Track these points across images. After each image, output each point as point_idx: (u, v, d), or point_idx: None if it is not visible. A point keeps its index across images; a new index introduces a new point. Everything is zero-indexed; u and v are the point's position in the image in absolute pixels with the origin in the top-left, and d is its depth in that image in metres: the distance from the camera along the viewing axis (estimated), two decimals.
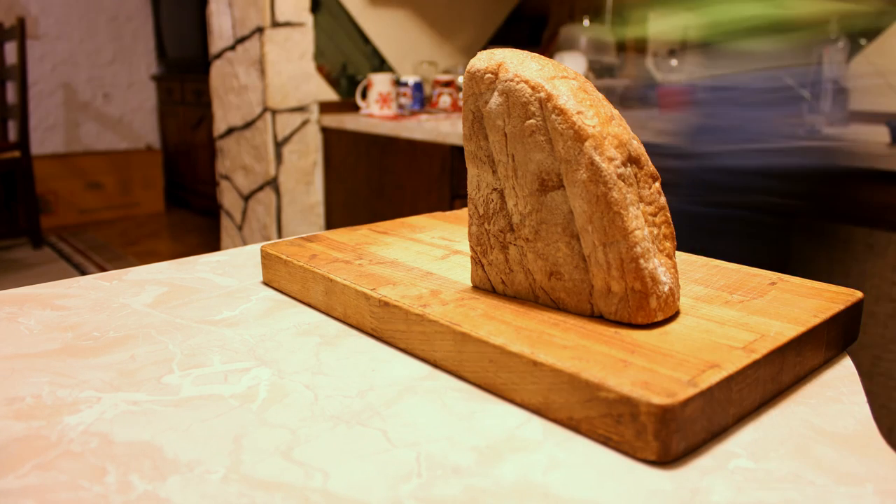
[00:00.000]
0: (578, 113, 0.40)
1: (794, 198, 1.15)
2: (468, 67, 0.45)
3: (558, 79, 0.42)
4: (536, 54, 0.44)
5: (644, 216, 0.41)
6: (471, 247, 0.48)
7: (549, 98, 0.41)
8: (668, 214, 0.43)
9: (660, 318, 0.41)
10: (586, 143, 0.40)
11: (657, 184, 0.43)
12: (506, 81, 0.42)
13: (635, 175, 0.41)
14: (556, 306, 0.44)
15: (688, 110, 1.19)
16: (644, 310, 0.41)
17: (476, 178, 0.47)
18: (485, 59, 0.44)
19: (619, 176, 0.40)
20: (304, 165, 2.28)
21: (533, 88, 0.41)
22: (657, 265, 0.41)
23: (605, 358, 0.37)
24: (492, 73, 0.43)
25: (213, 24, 2.36)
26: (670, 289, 0.42)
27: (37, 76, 3.87)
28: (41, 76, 3.90)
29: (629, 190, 0.40)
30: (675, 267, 0.43)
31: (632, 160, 0.41)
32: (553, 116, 0.41)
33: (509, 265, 0.46)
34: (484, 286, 0.48)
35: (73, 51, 4.00)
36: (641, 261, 0.40)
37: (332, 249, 0.57)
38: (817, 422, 0.37)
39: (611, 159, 0.40)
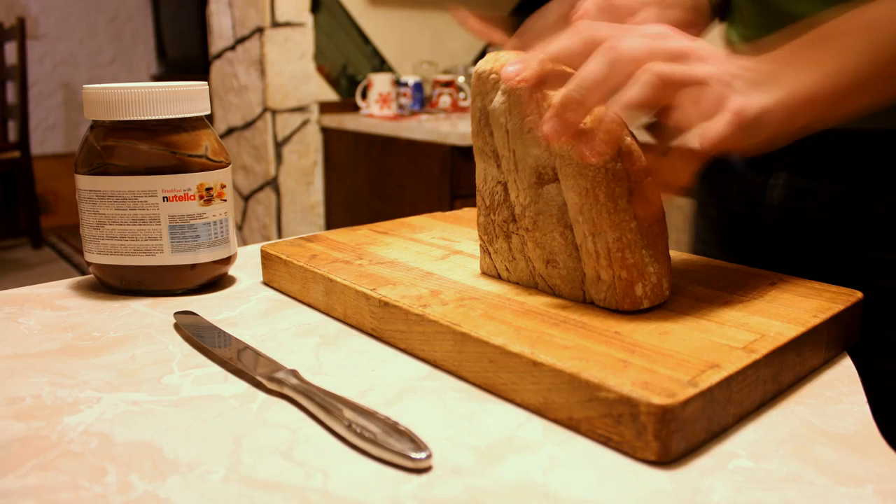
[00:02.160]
0: None
1: None
2: (476, 68, 0.48)
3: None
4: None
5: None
6: (479, 235, 0.51)
7: (545, 97, 0.42)
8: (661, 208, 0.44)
9: (646, 305, 0.43)
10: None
11: (649, 179, 0.44)
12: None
13: (627, 170, 0.42)
14: (553, 293, 0.46)
15: None
16: (630, 297, 0.43)
17: (483, 171, 0.50)
18: (490, 61, 0.47)
19: (608, 171, 0.41)
20: (304, 165, 2.28)
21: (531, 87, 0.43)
22: (644, 255, 0.42)
23: (605, 358, 0.37)
24: (496, 74, 0.46)
25: (213, 24, 2.37)
26: (658, 278, 0.43)
27: (37, 76, 3.87)
28: (41, 76, 3.90)
29: (618, 184, 0.42)
30: (665, 257, 0.44)
31: (623, 155, 0.42)
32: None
33: (512, 253, 0.49)
34: (491, 273, 0.51)
35: (73, 51, 4.00)
36: (627, 251, 0.42)
37: (332, 249, 0.57)
38: (817, 422, 0.37)
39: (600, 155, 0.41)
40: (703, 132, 0.40)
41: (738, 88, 0.40)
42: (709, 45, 0.42)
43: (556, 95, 0.41)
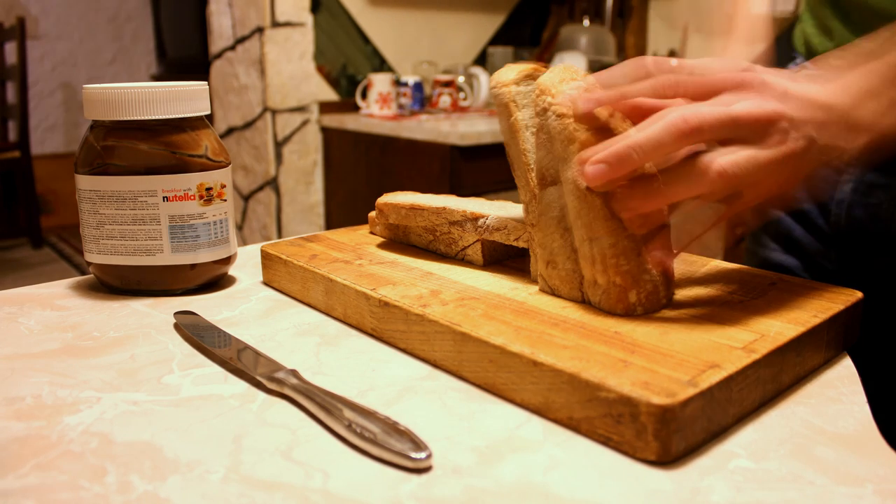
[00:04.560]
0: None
1: None
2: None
3: (564, 83, 0.44)
4: (562, 66, 0.47)
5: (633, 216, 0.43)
6: None
7: (551, 102, 0.43)
8: (665, 215, 0.44)
9: (640, 311, 0.43)
10: (575, 146, 0.42)
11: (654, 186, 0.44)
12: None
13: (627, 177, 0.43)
14: (553, 293, 0.46)
15: None
16: (623, 303, 0.42)
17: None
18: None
19: None
20: (304, 165, 2.28)
21: (541, 92, 0.44)
22: (640, 262, 0.42)
23: (605, 358, 0.37)
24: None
25: (213, 24, 2.37)
26: (654, 286, 0.43)
27: (37, 76, 3.87)
28: (41, 76, 3.90)
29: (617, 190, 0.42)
30: (666, 265, 0.44)
31: None
32: (552, 119, 0.43)
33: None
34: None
35: (73, 51, 4.00)
36: (622, 257, 0.42)
37: (332, 249, 0.57)
38: (817, 422, 0.37)
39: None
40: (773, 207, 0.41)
41: (809, 162, 0.40)
42: (790, 79, 0.42)
43: (605, 143, 0.42)
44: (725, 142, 0.40)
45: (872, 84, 0.43)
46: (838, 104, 0.42)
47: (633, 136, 0.40)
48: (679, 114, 0.39)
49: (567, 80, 0.44)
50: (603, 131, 0.42)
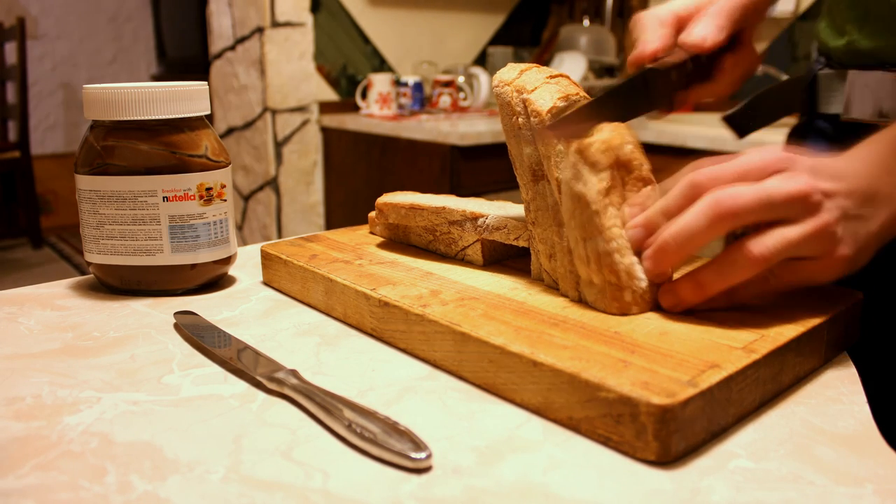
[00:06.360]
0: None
1: None
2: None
3: (545, 85, 0.46)
4: (542, 68, 0.49)
5: (627, 217, 0.44)
6: None
7: (527, 98, 0.45)
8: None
9: (635, 311, 0.43)
10: (573, 148, 0.42)
11: (649, 188, 0.45)
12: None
13: (622, 179, 0.44)
14: (556, 287, 0.47)
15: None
16: (618, 302, 0.43)
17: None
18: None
19: (601, 180, 0.42)
20: (304, 165, 2.28)
21: (518, 91, 0.46)
22: (634, 262, 0.43)
23: (605, 358, 0.37)
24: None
25: (213, 24, 2.36)
26: (648, 285, 0.43)
27: (37, 76, 3.87)
28: (41, 76, 3.90)
29: (612, 191, 0.43)
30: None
31: (620, 165, 0.43)
32: (535, 121, 0.44)
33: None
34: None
35: (73, 51, 4.00)
36: (616, 256, 0.42)
37: (332, 249, 0.57)
38: (817, 422, 0.37)
39: (594, 164, 0.42)
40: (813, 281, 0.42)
41: (843, 232, 0.40)
42: (816, 160, 0.42)
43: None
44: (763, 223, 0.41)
45: (882, 153, 0.43)
46: (855, 173, 0.42)
47: (671, 228, 0.40)
48: (714, 197, 0.39)
49: (541, 79, 0.45)
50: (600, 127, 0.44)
